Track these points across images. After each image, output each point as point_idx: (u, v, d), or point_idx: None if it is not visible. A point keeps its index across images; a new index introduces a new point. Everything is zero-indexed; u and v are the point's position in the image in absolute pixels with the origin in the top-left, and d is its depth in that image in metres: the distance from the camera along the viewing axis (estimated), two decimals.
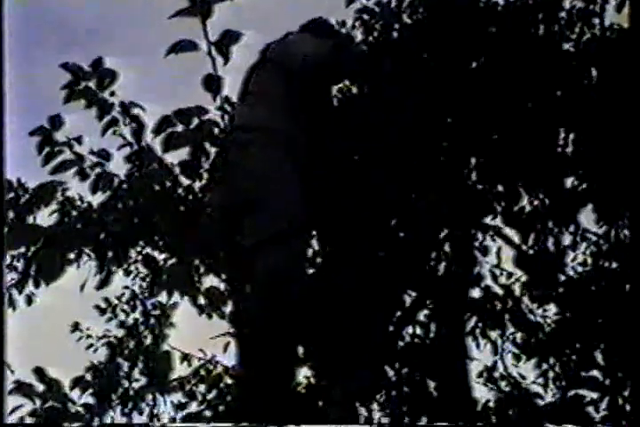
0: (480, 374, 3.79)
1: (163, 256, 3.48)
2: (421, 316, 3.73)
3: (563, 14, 3.84)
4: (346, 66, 3.59)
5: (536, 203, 3.60)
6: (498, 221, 3.73)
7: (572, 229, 3.78)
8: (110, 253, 3.37)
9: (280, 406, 3.38)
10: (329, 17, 3.93)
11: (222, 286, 3.58)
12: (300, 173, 3.48)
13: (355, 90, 3.74)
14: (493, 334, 3.99)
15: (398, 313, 3.71)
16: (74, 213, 3.55)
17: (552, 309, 3.70)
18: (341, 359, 3.53)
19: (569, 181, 3.54)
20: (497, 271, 3.91)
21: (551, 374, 3.65)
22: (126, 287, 4.30)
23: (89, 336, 4.42)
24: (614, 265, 3.68)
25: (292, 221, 3.43)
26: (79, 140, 3.56)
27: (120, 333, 4.38)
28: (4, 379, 2.75)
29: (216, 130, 3.48)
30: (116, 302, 4.38)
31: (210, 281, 3.58)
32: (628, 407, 3.13)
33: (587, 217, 3.75)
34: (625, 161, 3.46)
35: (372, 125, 3.52)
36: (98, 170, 3.52)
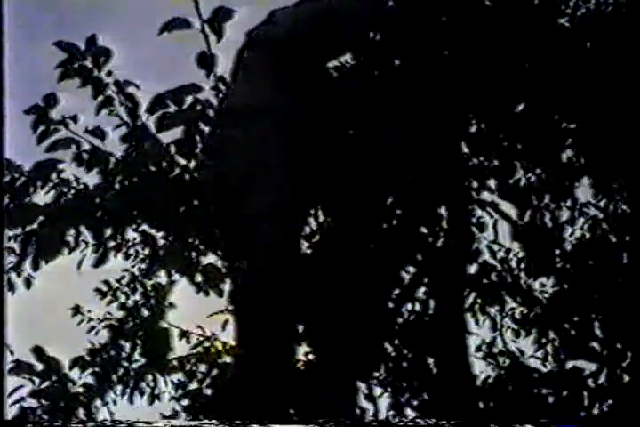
0: (478, 349, 3.79)
1: (160, 234, 3.48)
2: (420, 293, 3.74)
3: None
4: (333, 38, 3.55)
5: (532, 177, 3.60)
6: (495, 197, 3.73)
7: (569, 203, 3.77)
8: (108, 231, 3.36)
9: (279, 383, 3.37)
10: None
11: (219, 264, 3.58)
12: (295, 150, 3.46)
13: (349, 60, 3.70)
14: (492, 310, 3.99)
15: (397, 290, 3.71)
16: (71, 192, 3.54)
17: (550, 283, 3.71)
18: (340, 336, 3.53)
19: (564, 156, 3.54)
20: (495, 247, 3.91)
21: (550, 349, 3.66)
22: (126, 270, 4.29)
23: (90, 319, 4.40)
24: (612, 240, 3.69)
25: (287, 196, 3.42)
26: (74, 118, 3.54)
27: (120, 315, 4.37)
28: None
29: (209, 110, 3.47)
30: (117, 285, 4.37)
31: (207, 259, 3.58)
32: (626, 378, 3.14)
33: (584, 192, 3.76)
34: (621, 135, 3.46)
35: (368, 99, 3.51)
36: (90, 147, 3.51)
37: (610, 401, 3.08)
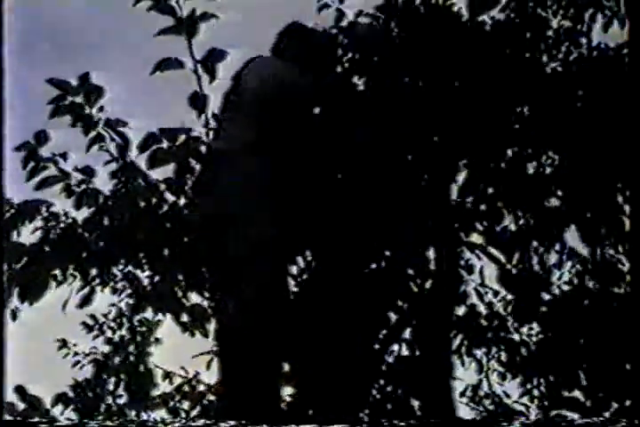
0: (462, 394, 3.79)
1: (146, 274, 3.48)
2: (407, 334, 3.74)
3: (550, 33, 3.86)
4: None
5: (521, 222, 3.61)
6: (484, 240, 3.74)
7: (557, 247, 3.78)
8: (94, 271, 3.36)
9: (263, 423, 3.36)
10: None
11: (205, 304, 3.58)
12: (281, 190, 3.47)
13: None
14: (479, 353, 3.99)
15: (384, 331, 3.70)
16: (57, 230, 3.53)
17: (537, 328, 3.71)
18: (325, 377, 3.52)
19: (552, 202, 3.55)
20: (482, 290, 3.91)
21: (535, 393, 3.65)
22: (113, 305, 4.29)
23: (76, 353, 4.39)
24: (598, 285, 3.69)
25: (274, 236, 3.43)
26: (64, 155, 3.56)
27: (106, 349, 4.36)
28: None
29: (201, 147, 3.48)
30: (103, 319, 4.37)
31: (194, 299, 3.57)
32: None
33: (573, 236, 3.77)
34: (608, 182, 3.48)
35: (354, 142, 3.53)
36: (83, 186, 3.51)
37: None
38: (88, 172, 3.57)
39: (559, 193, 3.49)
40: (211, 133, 3.45)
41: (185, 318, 3.44)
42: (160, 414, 4.23)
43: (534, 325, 3.73)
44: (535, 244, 3.72)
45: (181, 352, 4.16)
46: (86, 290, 3.44)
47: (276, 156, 3.42)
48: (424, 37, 3.59)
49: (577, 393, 3.36)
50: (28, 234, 3.71)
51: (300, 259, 3.78)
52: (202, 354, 3.41)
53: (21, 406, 3.80)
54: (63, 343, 4.34)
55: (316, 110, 3.62)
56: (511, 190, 3.42)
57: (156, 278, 3.41)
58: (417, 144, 3.50)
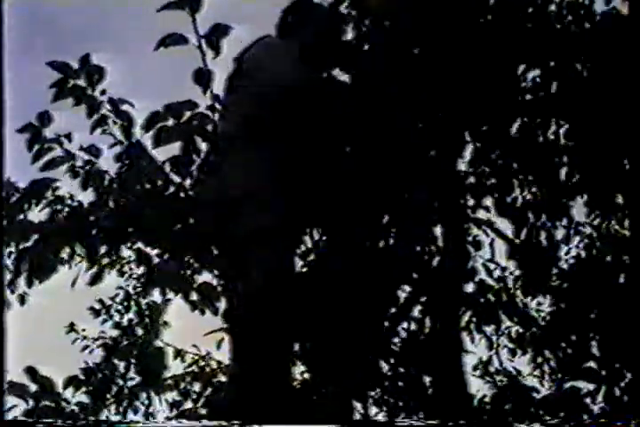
0: (475, 368, 3.78)
1: (155, 252, 3.47)
2: (416, 311, 3.73)
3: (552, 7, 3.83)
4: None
5: (528, 196, 3.59)
6: (491, 216, 3.72)
7: (565, 222, 3.77)
8: (102, 249, 3.35)
9: (274, 403, 3.36)
10: None
11: (215, 282, 3.57)
12: (291, 170, 3.46)
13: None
14: (488, 329, 3.98)
15: (393, 309, 3.69)
16: (65, 210, 3.52)
17: (546, 302, 3.70)
18: (336, 356, 3.51)
19: (562, 173, 3.53)
20: (491, 265, 3.91)
21: (546, 368, 3.64)
22: (120, 288, 4.28)
23: (84, 338, 4.39)
24: (607, 258, 3.68)
25: (283, 215, 3.42)
26: (69, 136, 3.54)
27: (115, 333, 4.36)
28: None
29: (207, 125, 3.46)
30: (110, 302, 4.36)
31: (203, 277, 3.56)
32: (625, 398, 3.12)
33: (579, 211, 3.75)
34: (619, 151, 3.46)
35: (361, 121, 3.51)
36: (88, 167, 3.49)
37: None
38: (93, 151, 3.55)
39: (568, 164, 3.47)
40: (216, 110, 3.43)
41: (194, 296, 3.43)
42: (171, 395, 4.23)
43: (544, 299, 3.72)
44: (543, 218, 3.71)
45: (191, 335, 4.16)
46: (95, 268, 3.43)
47: (282, 135, 3.41)
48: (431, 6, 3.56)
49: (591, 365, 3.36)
50: (34, 217, 3.71)
51: (307, 238, 3.78)
52: (213, 332, 3.40)
53: (33, 387, 3.79)
54: (71, 328, 4.34)
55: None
56: (520, 161, 3.40)
57: (165, 257, 3.40)
58: (423, 116, 3.48)
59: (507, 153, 3.38)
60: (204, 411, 3.94)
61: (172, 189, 3.63)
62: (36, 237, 3.40)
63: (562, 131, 3.45)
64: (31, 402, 3.80)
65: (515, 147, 3.38)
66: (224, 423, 3.05)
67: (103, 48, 3.72)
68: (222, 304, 3.56)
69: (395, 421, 3.47)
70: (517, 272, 3.83)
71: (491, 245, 3.73)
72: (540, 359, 3.70)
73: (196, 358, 3.95)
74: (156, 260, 3.51)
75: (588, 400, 3.25)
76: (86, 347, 4.31)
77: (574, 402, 3.18)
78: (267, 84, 3.37)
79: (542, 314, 3.76)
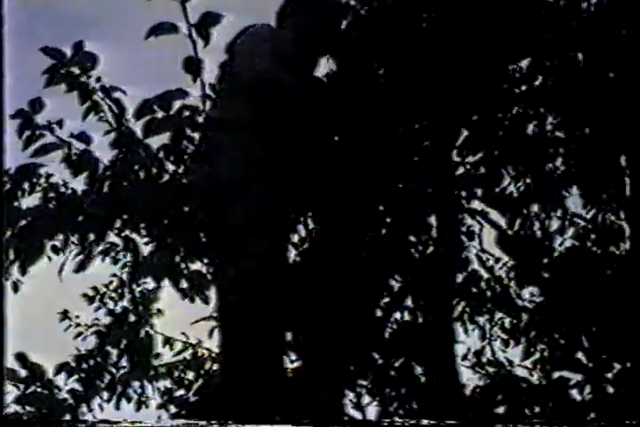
0: (464, 357, 3.78)
1: (145, 240, 3.47)
2: (409, 301, 3.73)
3: None
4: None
5: (521, 187, 3.59)
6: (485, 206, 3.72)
7: (559, 213, 3.76)
8: (92, 236, 3.35)
9: (265, 391, 3.36)
10: None
11: (205, 270, 3.57)
12: (283, 158, 3.46)
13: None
14: (481, 320, 3.99)
15: (386, 299, 3.69)
16: (55, 201, 3.52)
17: (538, 292, 3.70)
18: (328, 345, 3.52)
19: (552, 164, 3.52)
20: (484, 256, 3.91)
21: (537, 358, 3.65)
22: (114, 275, 4.27)
23: (78, 325, 4.39)
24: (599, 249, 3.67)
25: (275, 204, 3.42)
26: (60, 123, 3.53)
27: (108, 320, 4.35)
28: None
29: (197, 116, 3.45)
30: (105, 290, 4.35)
31: (193, 266, 3.56)
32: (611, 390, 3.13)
33: (575, 202, 3.75)
34: (612, 143, 3.45)
35: (354, 108, 3.50)
36: (78, 154, 3.50)
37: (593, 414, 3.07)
38: (84, 138, 3.55)
39: (561, 154, 3.47)
40: (207, 100, 3.43)
41: (184, 284, 3.43)
42: (164, 384, 4.23)
43: (536, 290, 3.72)
44: (536, 209, 3.71)
45: (185, 323, 4.16)
46: (82, 256, 3.43)
47: (273, 125, 3.41)
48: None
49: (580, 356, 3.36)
50: (27, 203, 3.71)
51: (302, 227, 3.78)
52: (201, 320, 3.40)
53: (23, 373, 3.80)
54: (64, 315, 4.33)
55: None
56: (512, 151, 3.40)
57: (154, 245, 3.40)
58: (416, 107, 3.47)
59: (496, 143, 3.38)
60: (195, 399, 3.95)
61: (166, 177, 3.63)
62: (24, 222, 3.40)
63: (552, 123, 3.45)
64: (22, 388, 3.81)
65: (505, 137, 3.37)
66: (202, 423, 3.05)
67: (98, 35, 3.71)
68: (212, 293, 3.56)
69: (387, 421, 3.47)
70: (510, 263, 3.84)
71: (479, 235, 3.73)
72: (532, 350, 3.69)
73: (185, 346, 3.95)
74: (146, 247, 3.51)
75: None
76: (80, 334, 4.30)
77: (561, 392, 3.18)
78: (258, 73, 3.38)
79: (534, 305, 3.76)
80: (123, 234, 3.43)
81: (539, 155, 3.44)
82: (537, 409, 3.38)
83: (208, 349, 3.87)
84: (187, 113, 3.37)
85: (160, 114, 3.32)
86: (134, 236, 3.48)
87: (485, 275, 3.86)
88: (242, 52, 3.45)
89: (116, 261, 3.86)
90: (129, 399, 4.22)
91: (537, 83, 3.49)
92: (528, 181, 3.62)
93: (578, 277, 3.42)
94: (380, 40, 3.53)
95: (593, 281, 3.38)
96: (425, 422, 3.09)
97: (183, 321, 4.29)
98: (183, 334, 3.96)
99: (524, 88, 3.53)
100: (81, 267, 3.48)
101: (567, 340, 3.35)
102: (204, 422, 3.01)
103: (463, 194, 3.68)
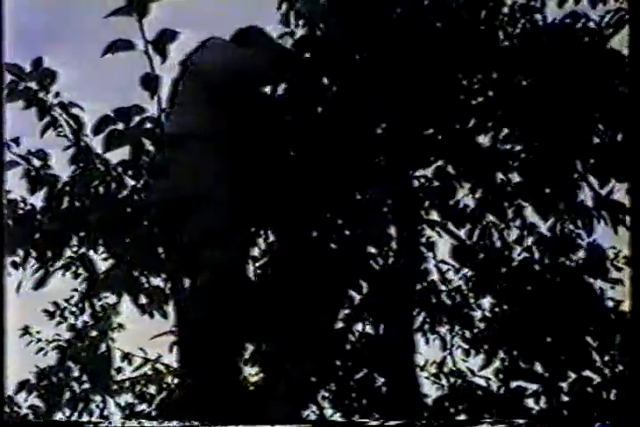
0: (422, 368, 3.82)
1: (102, 256, 3.47)
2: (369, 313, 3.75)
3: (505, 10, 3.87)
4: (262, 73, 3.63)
5: (477, 197, 3.62)
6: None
7: (518, 223, 3.80)
8: (49, 253, 3.35)
9: (224, 404, 3.38)
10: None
11: (163, 285, 3.57)
12: (239, 172, 3.49)
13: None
14: (442, 330, 4.02)
15: (347, 311, 3.72)
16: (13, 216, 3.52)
17: (495, 302, 3.73)
18: (288, 356, 3.54)
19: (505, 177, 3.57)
20: (443, 267, 3.94)
21: (497, 366, 3.68)
22: (75, 290, 4.27)
23: (39, 340, 4.38)
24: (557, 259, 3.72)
25: (232, 217, 3.44)
26: (17, 141, 3.55)
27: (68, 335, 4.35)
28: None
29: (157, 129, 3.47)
30: (65, 304, 4.35)
31: (152, 281, 3.56)
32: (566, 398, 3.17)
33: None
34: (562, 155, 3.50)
35: (304, 123, 3.54)
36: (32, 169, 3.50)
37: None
38: (42, 156, 3.55)
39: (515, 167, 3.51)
40: (163, 115, 3.46)
41: (143, 299, 3.44)
42: (126, 398, 4.24)
43: (495, 300, 3.76)
44: (495, 220, 3.75)
45: (147, 338, 4.15)
46: (41, 272, 3.43)
47: (229, 138, 3.44)
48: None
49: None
50: None
51: (261, 241, 3.80)
52: (160, 335, 3.41)
53: None
54: (25, 331, 4.33)
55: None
56: (467, 164, 3.44)
57: (111, 261, 3.41)
58: (372, 117, 3.51)
59: (447, 157, 3.42)
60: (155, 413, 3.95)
61: (125, 192, 3.64)
62: None
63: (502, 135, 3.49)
64: None
65: (455, 151, 3.41)
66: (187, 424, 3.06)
67: (51, 52, 3.71)
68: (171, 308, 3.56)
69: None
70: (469, 273, 3.87)
71: (431, 244, 3.77)
72: (493, 360, 3.73)
73: (144, 361, 3.96)
74: (103, 263, 3.51)
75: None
76: (41, 349, 4.30)
77: (517, 401, 3.22)
78: (216, 85, 3.43)
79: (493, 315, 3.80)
80: (80, 251, 3.44)
81: (492, 167, 3.48)
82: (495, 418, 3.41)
83: (166, 364, 3.88)
84: (148, 125, 3.37)
85: (120, 126, 3.32)
86: (90, 253, 3.48)
87: (443, 286, 3.89)
88: (198, 66, 3.49)
89: (76, 276, 3.87)
90: (91, 414, 4.23)
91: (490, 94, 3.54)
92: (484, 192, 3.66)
93: (532, 287, 3.46)
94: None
95: (547, 291, 3.43)
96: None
97: (145, 336, 4.29)
98: (141, 349, 3.97)
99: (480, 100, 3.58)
100: (40, 284, 3.48)
101: (524, 350, 3.39)
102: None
103: (422, 205, 3.72)
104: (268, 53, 3.66)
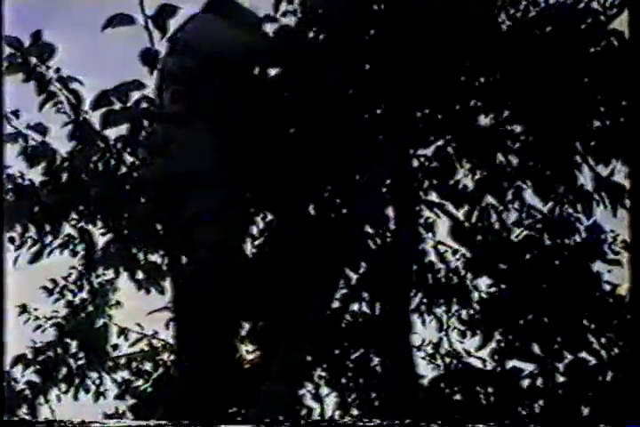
0: (419, 348, 3.82)
1: (100, 231, 3.47)
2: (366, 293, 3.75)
3: None
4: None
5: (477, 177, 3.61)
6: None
7: (517, 205, 3.80)
8: (47, 227, 3.35)
9: (221, 382, 3.38)
10: None
11: (160, 261, 3.58)
12: (237, 149, 3.47)
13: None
14: (439, 311, 4.02)
15: (344, 290, 3.71)
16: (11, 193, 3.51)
17: (492, 282, 3.73)
18: (284, 335, 3.54)
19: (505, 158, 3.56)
20: (441, 248, 3.94)
21: (493, 347, 3.68)
22: (73, 268, 4.27)
23: (37, 318, 4.38)
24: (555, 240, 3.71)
25: (230, 195, 3.43)
26: (16, 113, 3.53)
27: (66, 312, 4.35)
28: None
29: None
30: (64, 282, 4.35)
31: (150, 257, 3.57)
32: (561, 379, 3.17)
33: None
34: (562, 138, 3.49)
35: (304, 101, 3.52)
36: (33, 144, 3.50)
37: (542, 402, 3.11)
38: (41, 129, 3.54)
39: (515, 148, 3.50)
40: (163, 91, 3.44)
41: (140, 275, 3.44)
42: (123, 375, 4.25)
43: (492, 281, 3.75)
44: (494, 201, 3.74)
45: (144, 315, 4.16)
46: (37, 246, 3.43)
47: (224, 114, 3.42)
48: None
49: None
50: None
51: (260, 220, 3.79)
52: (156, 311, 3.41)
53: None
54: (23, 309, 4.33)
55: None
56: (467, 144, 3.43)
57: (110, 236, 3.41)
58: (371, 97, 3.49)
59: (448, 137, 3.41)
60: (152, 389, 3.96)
61: (123, 169, 3.63)
62: None
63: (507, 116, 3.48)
64: None
65: (456, 131, 3.40)
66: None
67: (56, 24, 3.69)
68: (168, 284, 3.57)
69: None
70: (468, 255, 3.86)
71: (431, 224, 3.76)
72: (488, 340, 3.72)
73: (140, 336, 3.96)
74: (102, 238, 3.51)
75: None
76: (39, 327, 4.30)
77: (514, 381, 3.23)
78: (209, 59, 3.40)
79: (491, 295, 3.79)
80: (78, 225, 3.43)
81: (493, 148, 3.47)
82: (492, 399, 3.42)
83: (163, 340, 3.88)
84: (144, 105, 3.36)
85: (118, 105, 3.31)
86: (90, 227, 3.48)
87: (442, 266, 3.89)
88: (186, 40, 3.48)
89: (74, 254, 3.87)
90: (87, 391, 4.24)
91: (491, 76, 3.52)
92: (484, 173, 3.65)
93: (531, 267, 3.46)
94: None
95: (546, 272, 3.42)
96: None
97: (142, 313, 4.30)
98: (138, 325, 3.97)
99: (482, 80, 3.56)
100: (36, 257, 3.48)
101: (521, 330, 3.39)
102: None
103: (421, 186, 3.71)
104: (241, 24, 3.61)
